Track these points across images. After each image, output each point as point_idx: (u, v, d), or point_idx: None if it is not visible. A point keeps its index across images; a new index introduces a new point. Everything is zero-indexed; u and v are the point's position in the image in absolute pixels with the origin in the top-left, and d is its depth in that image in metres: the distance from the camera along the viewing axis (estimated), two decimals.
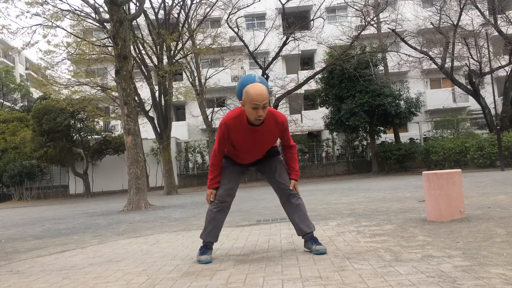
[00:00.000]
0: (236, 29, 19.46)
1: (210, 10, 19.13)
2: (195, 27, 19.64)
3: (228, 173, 3.11)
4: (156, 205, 10.31)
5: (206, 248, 3.09)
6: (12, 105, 34.99)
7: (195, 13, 19.62)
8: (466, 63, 18.64)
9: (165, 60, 18.49)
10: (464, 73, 20.71)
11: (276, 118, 2.93)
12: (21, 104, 35.90)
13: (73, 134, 21.77)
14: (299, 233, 3.10)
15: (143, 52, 18.31)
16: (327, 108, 21.34)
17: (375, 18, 18.69)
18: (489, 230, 3.37)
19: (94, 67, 21.10)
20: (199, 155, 23.69)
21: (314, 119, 24.91)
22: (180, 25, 19.29)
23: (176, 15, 19.08)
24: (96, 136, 22.70)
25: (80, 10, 16.69)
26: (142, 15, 15.91)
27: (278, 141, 3.12)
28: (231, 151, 3.05)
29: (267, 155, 3.14)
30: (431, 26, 18.57)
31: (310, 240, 3.06)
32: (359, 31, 19.07)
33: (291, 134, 23.83)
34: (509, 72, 17.95)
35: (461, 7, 17.42)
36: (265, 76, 19.62)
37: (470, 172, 14.19)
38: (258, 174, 21.11)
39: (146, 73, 18.29)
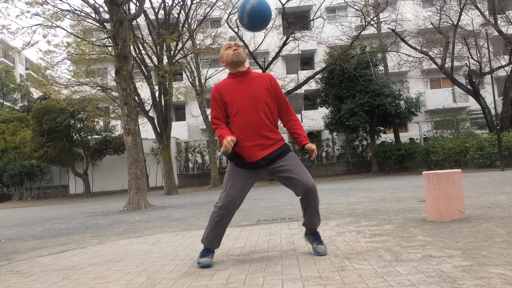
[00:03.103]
0: (236, 29, 19.46)
1: (210, 10, 19.13)
2: (195, 27, 19.64)
3: (234, 180, 2.90)
4: (156, 205, 10.31)
5: (207, 251, 2.99)
6: (12, 105, 34.99)
7: (195, 13, 19.62)
8: (466, 63, 18.64)
9: (165, 60, 18.49)
10: (464, 73, 20.72)
11: (262, 75, 2.98)
12: (21, 104, 35.90)
13: (73, 134, 21.77)
14: (304, 224, 3.02)
15: (143, 52, 18.31)
16: (327, 108, 21.34)
17: (375, 18, 18.69)
18: (489, 230, 3.37)
19: (94, 67, 21.11)
20: (199, 155, 23.69)
21: (314, 119, 24.92)
22: (180, 25, 19.30)
23: (176, 15, 19.08)
24: (96, 136, 22.70)
25: (80, 10, 16.71)
26: (142, 15, 15.91)
27: (287, 137, 3.07)
28: (234, 128, 2.90)
29: (277, 153, 2.90)
30: (431, 26, 18.57)
31: (312, 234, 3.03)
32: (359, 31, 19.06)
33: None
34: (509, 72, 17.95)
35: (461, 7, 17.42)
36: None
37: (470, 172, 14.19)
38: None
39: (146, 73, 18.29)
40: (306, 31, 21.82)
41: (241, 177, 2.92)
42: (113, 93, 19.09)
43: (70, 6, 16.61)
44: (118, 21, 10.13)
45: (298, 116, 25.52)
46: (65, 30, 18.00)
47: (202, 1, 19.59)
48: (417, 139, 22.63)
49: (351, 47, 18.76)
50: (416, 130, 24.09)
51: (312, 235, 3.04)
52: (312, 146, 2.94)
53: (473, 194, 6.54)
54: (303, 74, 24.94)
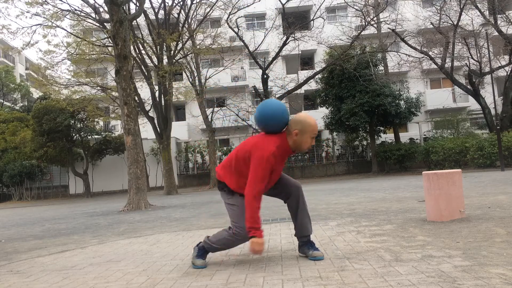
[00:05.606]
0: (236, 29, 19.45)
1: (210, 10, 19.12)
2: (195, 27, 19.63)
3: None
4: (156, 205, 10.30)
5: (204, 250, 2.96)
6: (12, 105, 34.98)
7: (195, 13, 19.61)
8: (466, 63, 18.63)
9: (165, 60, 18.49)
10: (464, 73, 20.71)
11: None
12: (21, 104, 35.89)
13: (73, 134, 21.77)
14: (296, 234, 2.98)
15: (143, 52, 18.30)
16: (327, 108, 21.34)
17: (375, 18, 18.69)
18: (489, 230, 3.37)
19: (94, 67, 21.10)
20: (199, 155, 23.70)
21: (314, 119, 24.90)
22: (180, 25, 19.29)
23: (176, 15, 19.08)
24: (96, 136, 22.70)
25: (80, 10, 16.69)
26: (142, 15, 15.91)
27: None
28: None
29: None
30: (431, 26, 18.57)
31: (306, 244, 2.94)
32: (359, 31, 19.06)
33: None
34: (509, 72, 17.94)
35: (461, 7, 17.42)
36: (265, 76, 19.61)
37: (470, 172, 14.19)
38: None
39: (146, 73, 18.29)
40: (306, 31, 21.82)
41: None
42: (113, 93, 19.08)
43: (70, 6, 16.61)
44: (118, 21, 10.13)
45: None
46: (65, 30, 17.99)
47: (202, 1, 19.58)
48: (417, 139, 22.63)
49: (351, 47, 18.75)
50: (416, 130, 24.09)
51: (306, 245, 2.94)
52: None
53: (473, 194, 6.53)
54: (303, 74, 24.94)
